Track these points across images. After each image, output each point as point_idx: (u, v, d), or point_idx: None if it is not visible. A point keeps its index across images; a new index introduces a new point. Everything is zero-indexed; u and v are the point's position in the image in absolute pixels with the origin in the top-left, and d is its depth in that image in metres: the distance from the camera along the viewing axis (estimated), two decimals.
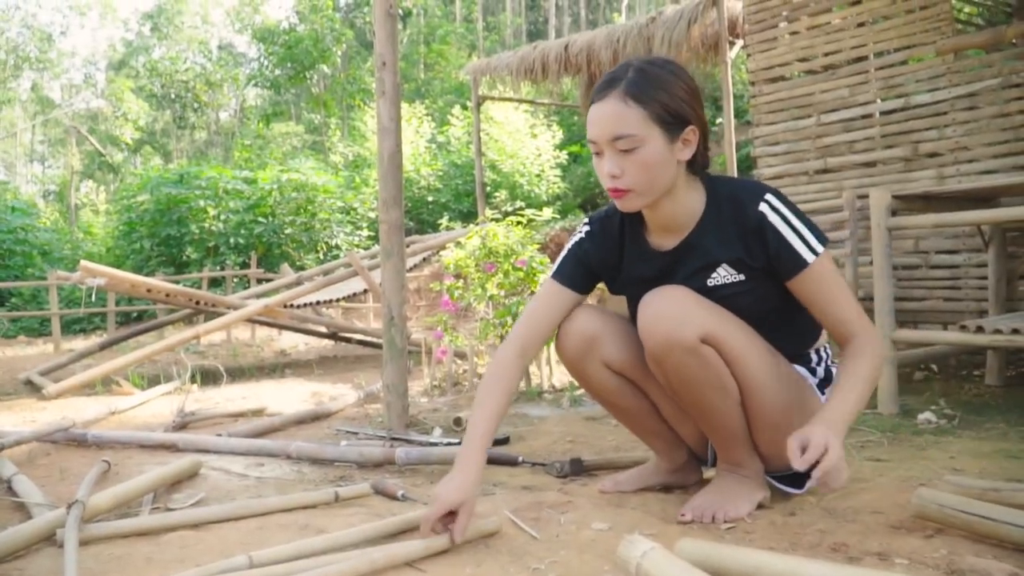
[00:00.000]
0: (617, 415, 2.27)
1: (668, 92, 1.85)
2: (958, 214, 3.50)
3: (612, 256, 2.11)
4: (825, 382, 2.10)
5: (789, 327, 2.04)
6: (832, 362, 2.15)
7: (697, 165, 1.95)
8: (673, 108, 1.85)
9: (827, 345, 2.17)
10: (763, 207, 1.90)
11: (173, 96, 30.37)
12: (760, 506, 2.02)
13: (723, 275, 1.96)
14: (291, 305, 6.59)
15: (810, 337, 2.11)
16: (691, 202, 1.96)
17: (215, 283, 13.77)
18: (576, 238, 2.15)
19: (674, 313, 1.86)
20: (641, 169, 1.85)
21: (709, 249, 1.96)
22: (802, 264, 1.87)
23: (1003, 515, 1.67)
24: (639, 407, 2.18)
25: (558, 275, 2.12)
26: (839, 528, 1.85)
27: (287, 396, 4.92)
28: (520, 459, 2.69)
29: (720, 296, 1.95)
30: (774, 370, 1.96)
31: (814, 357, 2.12)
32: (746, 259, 1.93)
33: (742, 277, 1.95)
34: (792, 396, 1.98)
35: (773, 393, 1.95)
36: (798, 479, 2.08)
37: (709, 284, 1.96)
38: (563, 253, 2.16)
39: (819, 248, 1.87)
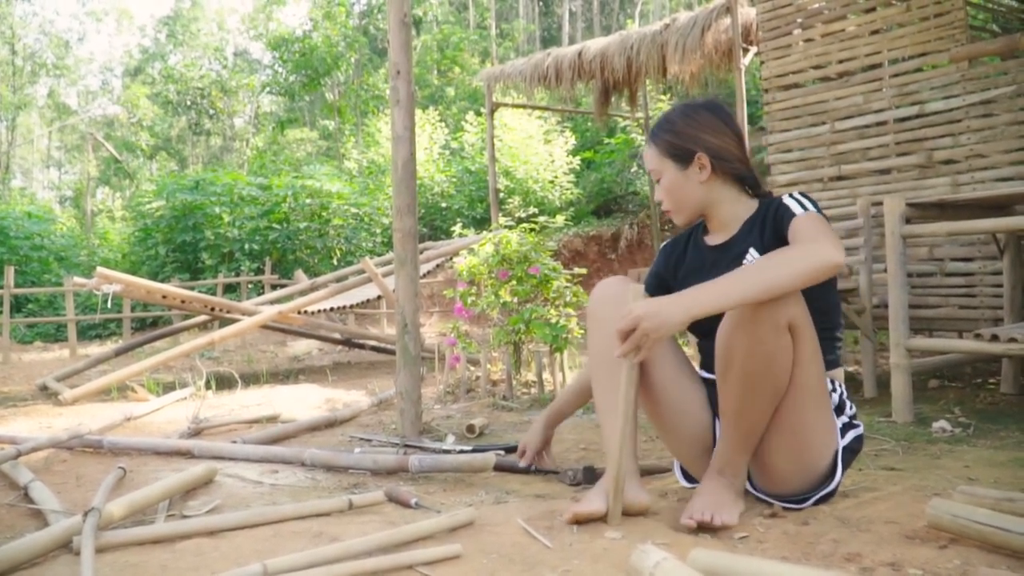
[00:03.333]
0: (602, 394, 2.18)
1: (674, 131, 2.22)
2: (973, 222, 3.49)
3: (677, 258, 2.39)
4: (838, 410, 2.13)
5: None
6: (846, 397, 2.18)
7: (745, 180, 2.24)
8: (677, 144, 2.21)
9: (841, 381, 2.18)
10: (785, 195, 2.14)
11: (189, 103, 30.48)
12: (774, 515, 2.02)
13: (749, 260, 2.13)
14: (305, 311, 6.61)
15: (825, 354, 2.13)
16: (740, 210, 2.23)
17: (230, 289, 13.83)
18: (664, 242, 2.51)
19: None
20: (667, 193, 2.26)
21: (743, 241, 2.18)
22: (790, 216, 2.05)
23: (1017, 526, 1.67)
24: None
25: (645, 286, 2.39)
26: (852, 538, 1.85)
27: (301, 402, 4.94)
28: (532, 467, 2.70)
29: None
30: (822, 384, 2.03)
31: (828, 385, 2.13)
32: (766, 242, 2.11)
33: None
34: (821, 412, 2.03)
35: (813, 401, 2.00)
36: (803, 501, 2.11)
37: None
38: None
39: (810, 208, 2.06)
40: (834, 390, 2.14)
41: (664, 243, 2.47)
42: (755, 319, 1.87)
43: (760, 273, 1.86)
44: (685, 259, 2.35)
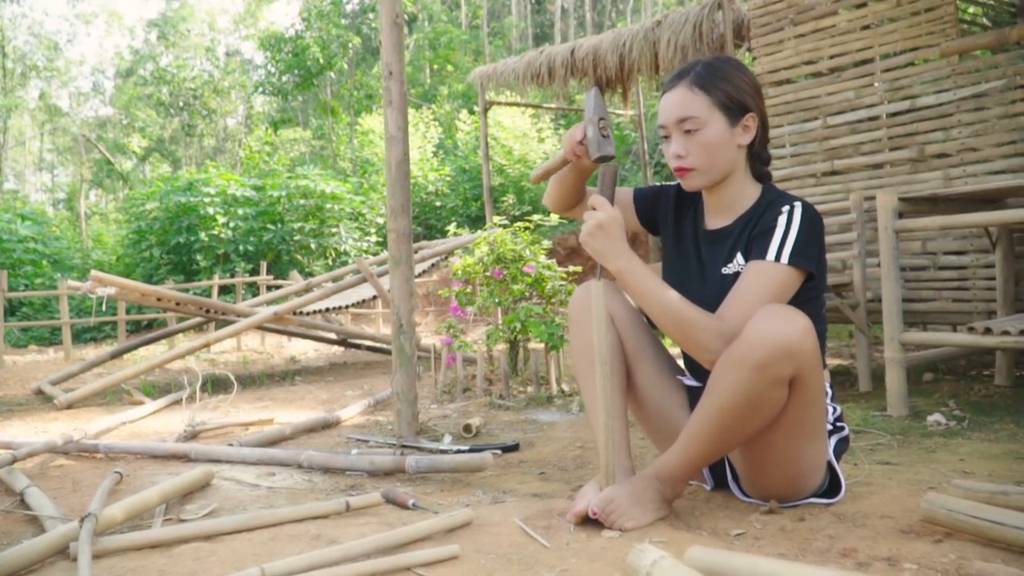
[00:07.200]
0: (589, 393, 2.17)
1: (731, 82, 2.04)
2: (965, 216, 3.50)
3: (674, 211, 2.28)
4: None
5: None
6: (830, 401, 2.14)
7: (758, 159, 2.12)
8: (735, 96, 2.03)
9: (829, 384, 2.15)
10: (785, 209, 2.01)
11: (181, 104, 30.43)
12: (770, 512, 2.02)
13: (734, 266, 2.06)
14: (301, 312, 6.61)
15: None
16: (744, 195, 2.12)
17: (225, 290, 13.80)
18: (672, 182, 2.32)
19: (792, 342, 1.80)
20: (703, 149, 2.03)
21: (735, 239, 2.09)
22: (757, 256, 1.97)
23: (1012, 519, 1.67)
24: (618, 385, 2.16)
25: (637, 189, 2.35)
26: (848, 533, 1.85)
27: (297, 403, 4.94)
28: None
29: (730, 285, 2.01)
30: (822, 423, 1.99)
31: None
32: (747, 251, 2.04)
33: None
34: (817, 445, 2.01)
35: (811, 439, 1.98)
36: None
37: (723, 272, 2.08)
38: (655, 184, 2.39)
39: (783, 260, 1.93)
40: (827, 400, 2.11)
41: (675, 183, 2.29)
42: (754, 365, 1.80)
43: (652, 297, 1.93)
44: (681, 224, 2.25)
